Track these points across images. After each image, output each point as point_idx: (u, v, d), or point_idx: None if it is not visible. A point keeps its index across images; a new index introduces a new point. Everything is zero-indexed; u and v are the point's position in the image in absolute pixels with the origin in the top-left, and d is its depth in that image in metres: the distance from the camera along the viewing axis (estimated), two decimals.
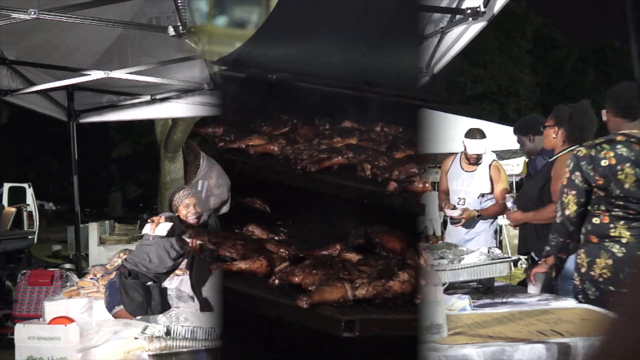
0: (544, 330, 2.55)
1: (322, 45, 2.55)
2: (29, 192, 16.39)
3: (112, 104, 7.73)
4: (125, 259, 4.97)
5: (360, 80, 2.47)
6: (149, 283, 4.74)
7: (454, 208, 5.40)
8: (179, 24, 4.33)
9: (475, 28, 5.08)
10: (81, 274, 6.84)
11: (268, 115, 2.64)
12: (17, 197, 16.16)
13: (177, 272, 5.06)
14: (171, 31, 4.43)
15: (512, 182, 11.80)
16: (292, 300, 1.95)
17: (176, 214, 4.32)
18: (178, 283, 5.19)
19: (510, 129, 5.45)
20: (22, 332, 4.96)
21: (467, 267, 3.54)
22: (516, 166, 12.05)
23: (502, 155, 10.07)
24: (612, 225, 3.26)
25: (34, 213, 15.60)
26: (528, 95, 26.75)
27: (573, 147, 3.83)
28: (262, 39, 2.61)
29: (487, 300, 3.40)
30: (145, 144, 22.01)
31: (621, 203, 3.24)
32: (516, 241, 5.37)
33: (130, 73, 6.42)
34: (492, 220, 5.58)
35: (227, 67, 2.72)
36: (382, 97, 2.48)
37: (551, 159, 4.21)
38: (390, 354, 2.18)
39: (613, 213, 3.27)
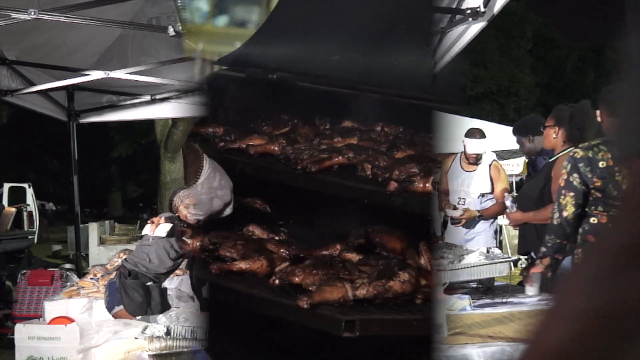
0: None
1: (335, 45, 2.55)
2: (29, 192, 16.39)
3: (112, 104, 7.73)
4: (125, 259, 4.97)
5: (375, 82, 2.47)
6: (149, 283, 4.74)
7: (455, 208, 5.40)
8: (179, 23, 4.33)
9: (475, 28, 5.07)
10: (81, 274, 6.84)
11: (268, 115, 2.64)
12: (17, 197, 16.15)
13: (177, 272, 5.06)
14: (171, 31, 4.42)
15: (512, 182, 11.80)
16: (293, 300, 1.95)
17: (176, 214, 4.32)
18: (178, 283, 5.19)
19: (510, 129, 5.45)
20: (22, 332, 4.96)
21: (467, 267, 3.54)
22: (516, 166, 12.04)
23: (502, 155, 10.07)
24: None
25: (34, 213, 15.59)
26: (528, 95, 26.74)
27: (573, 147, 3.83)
28: (264, 39, 2.61)
29: (487, 300, 3.40)
30: (145, 144, 22.01)
31: (619, 204, 3.23)
32: (516, 241, 5.38)
33: (130, 73, 6.41)
34: (492, 220, 5.58)
35: (227, 67, 2.72)
36: (391, 98, 2.48)
37: (551, 159, 4.21)
38: (391, 354, 2.18)
39: (611, 213, 3.27)
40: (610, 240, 0.80)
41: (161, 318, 4.45)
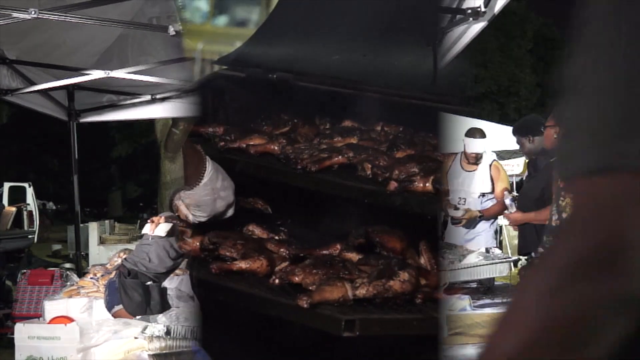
0: None
1: (335, 45, 2.55)
2: (29, 192, 16.39)
3: (112, 103, 7.73)
4: (125, 259, 4.97)
5: (376, 82, 2.47)
6: (149, 283, 4.73)
7: (456, 208, 5.41)
8: (179, 23, 4.33)
9: (475, 28, 5.07)
10: (81, 273, 6.84)
11: (268, 115, 2.64)
12: (17, 196, 16.15)
13: (177, 272, 5.06)
14: (171, 31, 4.43)
15: (512, 182, 11.80)
16: (293, 300, 1.95)
17: (176, 214, 4.31)
18: (178, 283, 5.19)
19: (511, 129, 5.46)
20: (22, 332, 4.96)
21: (467, 267, 3.54)
22: (516, 166, 12.05)
23: (502, 155, 10.06)
24: None
25: (34, 213, 15.59)
26: (528, 95, 26.74)
27: None
28: (264, 38, 2.61)
29: (487, 300, 3.40)
30: (145, 144, 22.00)
31: (565, 222, 3.20)
32: (516, 241, 5.38)
33: (130, 73, 6.42)
34: (492, 220, 5.58)
35: (227, 67, 2.72)
36: (391, 98, 2.48)
37: (552, 160, 4.21)
38: (390, 354, 2.18)
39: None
40: (556, 257, 0.84)
41: (161, 318, 4.45)
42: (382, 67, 2.60)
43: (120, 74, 6.37)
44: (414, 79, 2.53)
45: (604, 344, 0.83)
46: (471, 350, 2.26)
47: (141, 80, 6.75)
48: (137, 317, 4.61)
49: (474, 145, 5.44)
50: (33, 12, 4.65)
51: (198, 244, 2.26)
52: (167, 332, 4.21)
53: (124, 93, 7.54)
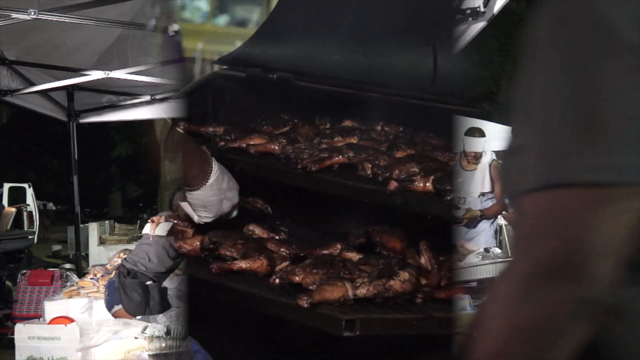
0: None
1: (335, 45, 2.55)
2: (29, 192, 16.39)
3: (112, 104, 7.73)
4: (125, 259, 4.96)
5: (376, 81, 2.48)
6: (148, 282, 4.73)
7: (457, 208, 5.40)
8: (179, 23, 4.33)
9: (475, 28, 5.07)
10: (81, 274, 6.84)
11: (268, 115, 2.64)
12: (17, 197, 16.15)
13: (177, 272, 5.05)
14: (171, 31, 4.42)
15: None
16: (293, 300, 1.95)
17: (175, 213, 4.31)
18: (178, 283, 5.19)
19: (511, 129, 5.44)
20: (22, 332, 4.96)
21: (467, 267, 3.54)
22: None
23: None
24: None
25: (34, 213, 15.59)
26: None
27: None
28: (264, 38, 2.61)
29: None
30: (146, 144, 21.99)
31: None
32: None
33: (130, 73, 6.42)
34: (492, 220, 5.58)
35: (227, 67, 2.73)
36: (391, 98, 2.49)
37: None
38: (391, 353, 2.18)
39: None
40: (519, 267, 0.91)
41: (161, 318, 4.45)
42: (382, 67, 2.60)
43: (120, 74, 6.37)
44: (414, 79, 2.53)
45: (566, 350, 0.88)
46: None
47: (141, 81, 6.75)
48: (137, 317, 4.61)
49: (474, 144, 5.44)
50: (32, 13, 4.65)
51: (198, 243, 2.26)
52: (167, 332, 4.21)
53: (124, 93, 7.54)
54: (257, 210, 2.46)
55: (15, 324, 5.50)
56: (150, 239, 4.77)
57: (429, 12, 2.54)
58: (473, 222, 5.45)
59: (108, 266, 5.96)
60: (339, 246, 2.22)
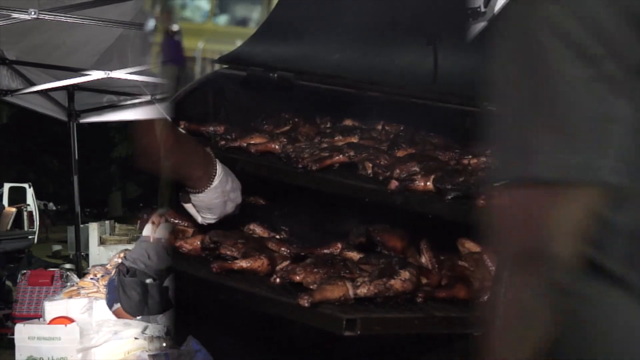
0: None
1: (336, 44, 2.56)
2: (29, 192, 16.40)
3: (112, 104, 7.74)
4: (125, 257, 4.95)
5: (376, 80, 2.48)
6: (148, 281, 4.72)
7: None
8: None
9: (475, 28, 5.07)
10: (81, 274, 6.84)
11: (269, 114, 2.64)
12: (17, 197, 16.16)
13: None
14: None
15: None
16: (294, 299, 1.95)
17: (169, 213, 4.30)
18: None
19: None
20: (22, 332, 4.96)
21: None
22: None
23: None
24: None
25: (34, 213, 15.60)
26: None
27: None
28: (265, 37, 2.62)
29: None
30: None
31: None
32: None
33: (130, 73, 6.42)
34: None
35: (227, 66, 2.73)
36: (392, 97, 2.49)
37: None
38: (392, 353, 2.18)
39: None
40: (498, 259, 1.09)
41: (161, 318, 4.44)
42: (383, 66, 2.60)
43: (120, 74, 6.37)
44: (414, 78, 2.53)
45: (537, 335, 1.03)
46: None
47: (141, 81, 6.75)
48: (137, 317, 4.60)
49: None
50: (33, 13, 4.66)
51: (198, 243, 2.26)
52: (167, 333, 4.21)
53: (124, 93, 7.54)
54: (259, 206, 2.47)
55: (15, 324, 5.50)
56: (151, 240, 4.77)
57: (430, 11, 2.55)
58: None
59: (108, 266, 5.95)
60: (339, 245, 2.21)
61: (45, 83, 6.67)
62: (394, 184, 2.20)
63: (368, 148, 2.37)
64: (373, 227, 2.21)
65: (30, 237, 14.45)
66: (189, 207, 2.25)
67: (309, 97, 2.64)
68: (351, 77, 2.60)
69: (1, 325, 7.26)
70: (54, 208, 25.49)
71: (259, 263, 2.13)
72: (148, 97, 7.47)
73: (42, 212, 19.09)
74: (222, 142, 2.49)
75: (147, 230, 4.89)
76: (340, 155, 2.34)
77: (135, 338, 4.35)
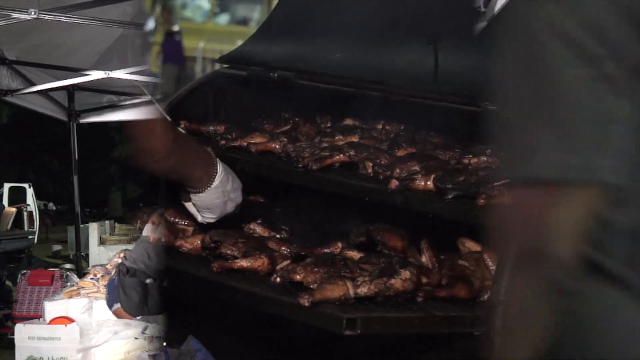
0: None
1: (336, 44, 2.56)
2: (29, 192, 16.41)
3: (112, 104, 7.74)
4: (124, 257, 4.95)
5: (377, 80, 2.48)
6: (148, 281, 4.71)
7: None
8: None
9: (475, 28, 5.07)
10: (81, 274, 6.84)
11: (269, 113, 2.64)
12: (17, 197, 16.16)
13: None
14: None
15: None
16: (294, 299, 1.95)
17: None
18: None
19: None
20: (22, 332, 4.96)
21: None
22: None
23: None
24: None
25: (34, 213, 15.60)
26: None
27: None
28: (266, 37, 2.62)
29: None
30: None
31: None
32: None
33: (130, 73, 6.42)
34: None
35: (228, 65, 2.73)
36: (393, 97, 2.49)
37: None
38: (392, 352, 2.18)
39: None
40: (505, 256, 1.12)
41: (161, 318, 4.44)
42: (383, 65, 2.60)
43: (120, 74, 6.37)
44: (415, 78, 2.54)
45: (540, 332, 1.05)
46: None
47: (141, 81, 6.75)
48: (137, 317, 4.60)
49: None
50: (33, 13, 4.66)
51: (199, 242, 2.26)
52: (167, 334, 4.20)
53: (124, 93, 7.54)
54: (260, 206, 2.47)
55: (15, 324, 5.50)
56: (151, 240, 4.76)
57: (430, 10, 2.55)
58: None
59: (108, 266, 5.95)
60: (340, 245, 2.21)
61: (45, 83, 6.67)
62: (394, 183, 2.20)
63: (368, 147, 2.37)
64: (373, 227, 2.21)
65: (30, 237, 14.45)
66: (189, 205, 2.25)
67: (310, 96, 2.64)
68: (351, 76, 2.60)
69: (1, 325, 7.26)
70: (54, 208, 25.47)
71: (259, 262, 2.13)
72: (148, 97, 7.46)
73: (42, 212, 19.09)
74: (223, 142, 2.49)
75: (147, 230, 4.88)
76: (341, 155, 2.34)
77: (135, 338, 4.35)
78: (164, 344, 3.51)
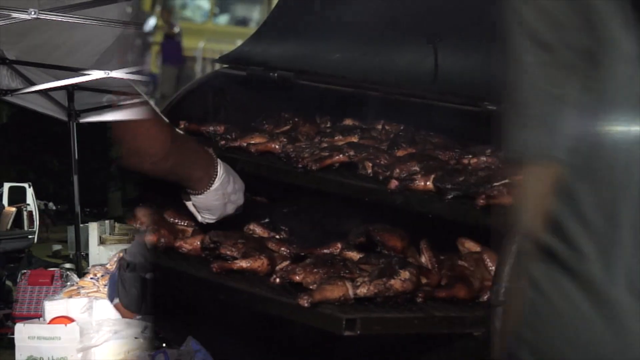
0: None
1: (336, 44, 2.56)
2: (29, 192, 16.41)
3: (112, 104, 7.73)
4: (125, 251, 4.95)
5: (376, 80, 2.48)
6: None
7: None
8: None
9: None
10: (81, 273, 6.84)
11: (269, 114, 2.64)
12: (17, 197, 16.16)
13: None
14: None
15: None
16: (294, 299, 1.95)
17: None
18: None
19: None
20: (22, 332, 4.96)
21: None
22: None
23: None
24: None
25: (34, 213, 15.60)
26: None
27: None
28: (265, 37, 2.61)
29: None
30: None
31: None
32: None
33: (131, 73, 6.42)
34: None
35: (228, 65, 2.73)
36: (392, 97, 2.49)
37: None
38: (392, 353, 2.18)
39: None
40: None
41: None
42: (383, 65, 2.60)
43: (120, 74, 6.37)
44: (414, 78, 2.53)
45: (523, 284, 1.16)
46: None
47: (136, 80, 6.75)
48: (138, 317, 4.60)
49: None
50: (33, 13, 4.66)
51: (198, 243, 2.26)
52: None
53: (124, 93, 7.53)
54: (259, 206, 2.46)
55: (15, 323, 5.50)
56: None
57: (430, 10, 2.55)
58: None
59: (108, 266, 5.95)
60: (339, 245, 2.21)
61: (45, 83, 6.67)
62: (394, 183, 2.20)
63: (368, 148, 2.37)
64: (373, 227, 2.21)
65: (30, 236, 14.45)
66: (189, 204, 2.25)
67: (309, 96, 2.64)
68: (351, 76, 2.60)
69: (1, 325, 7.26)
70: (54, 208, 25.47)
71: (258, 263, 2.13)
72: (143, 98, 7.46)
73: (42, 212, 19.09)
74: (222, 142, 2.49)
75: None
76: (340, 155, 2.34)
77: (135, 338, 4.35)
78: (163, 344, 3.51)
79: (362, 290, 1.97)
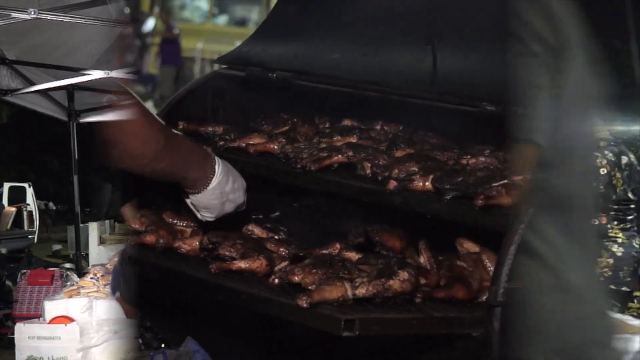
0: None
1: (335, 44, 2.57)
2: (29, 192, 16.42)
3: (112, 104, 7.73)
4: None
5: (375, 80, 2.49)
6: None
7: None
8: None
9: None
10: (81, 273, 6.85)
11: (268, 114, 2.65)
12: (17, 196, 16.16)
13: None
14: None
15: None
16: (292, 300, 1.95)
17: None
18: None
19: None
20: (22, 332, 4.97)
21: None
22: None
23: None
24: (609, 226, 3.41)
25: (34, 213, 15.61)
26: None
27: None
28: (264, 37, 2.62)
29: None
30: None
31: (616, 207, 3.42)
32: None
33: (130, 73, 6.42)
34: None
35: (226, 66, 2.73)
36: (391, 97, 2.49)
37: None
38: (391, 353, 2.18)
39: (611, 214, 3.42)
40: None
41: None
42: (382, 66, 2.60)
43: (120, 74, 6.37)
44: (413, 78, 2.54)
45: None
46: None
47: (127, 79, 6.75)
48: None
49: None
50: (33, 13, 4.67)
51: (197, 243, 2.26)
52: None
53: (124, 93, 7.53)
54: (259, 206, 2.46)
55: (15, 323, 5.50)
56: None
57: (429, 11, 2.55)
58: None
59: (108, 266, 5.96)
60: (338, 246, 2.21)
61: (45, 83, 6.67)
62: (392, 184, 2.20)
63: (367, 148, 2.37)
64: (372, 227, 2.21)
65: (30, 236, 14.46)
66: (188, 202, 2.25)
67: (308, 97, 2.64)
68: (350, 77, 2.60)
69: (1, 325, 7.27)
70: (54, 208, 25.46)
71: (257, 264, 2.13)
72: (135, 98, 7.45)
73: (43, 211, 19.10)
74: (221, 143, 2.49)
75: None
76: (339, 156, 2.34)
77: (136, 337, 4.35)
78: (162, 344, 3.51)
79: (361, 291, 1.97)
